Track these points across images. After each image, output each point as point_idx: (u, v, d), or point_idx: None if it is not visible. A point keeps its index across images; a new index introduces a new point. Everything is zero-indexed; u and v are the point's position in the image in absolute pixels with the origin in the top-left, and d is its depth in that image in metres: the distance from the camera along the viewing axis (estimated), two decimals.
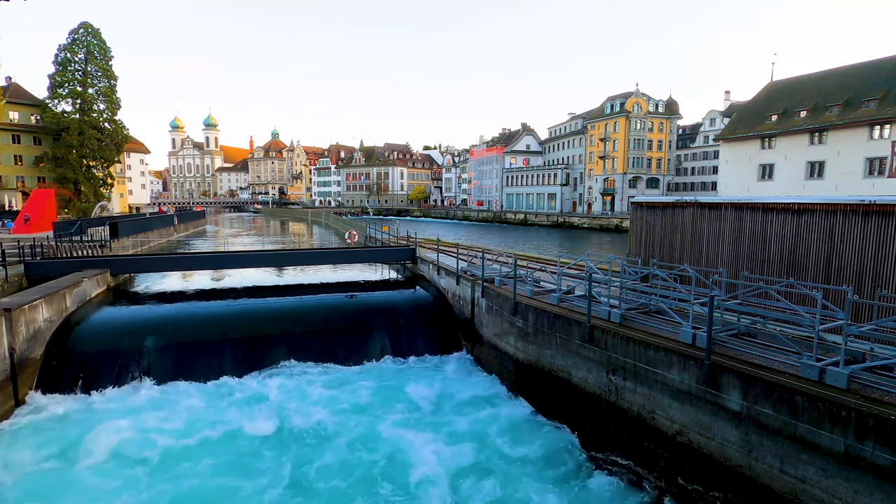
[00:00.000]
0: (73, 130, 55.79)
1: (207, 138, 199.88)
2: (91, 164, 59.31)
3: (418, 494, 9.69)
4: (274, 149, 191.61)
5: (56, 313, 15.33)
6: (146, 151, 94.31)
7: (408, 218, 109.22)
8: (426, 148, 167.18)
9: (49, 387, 13.78)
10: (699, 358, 8.68)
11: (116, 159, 64.24)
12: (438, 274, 20.57)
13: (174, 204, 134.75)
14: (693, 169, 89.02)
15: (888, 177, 38.16)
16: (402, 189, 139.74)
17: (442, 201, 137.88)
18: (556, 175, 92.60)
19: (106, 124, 59.92)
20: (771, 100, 49.33)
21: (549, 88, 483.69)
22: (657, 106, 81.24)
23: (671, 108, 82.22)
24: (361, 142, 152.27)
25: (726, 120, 75.19)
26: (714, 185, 65.25)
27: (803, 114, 44.27)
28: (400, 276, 24.87)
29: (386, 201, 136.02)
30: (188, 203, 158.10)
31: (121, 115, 62.03)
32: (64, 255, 22.63)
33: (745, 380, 7.94)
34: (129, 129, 64.12)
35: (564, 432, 11.76)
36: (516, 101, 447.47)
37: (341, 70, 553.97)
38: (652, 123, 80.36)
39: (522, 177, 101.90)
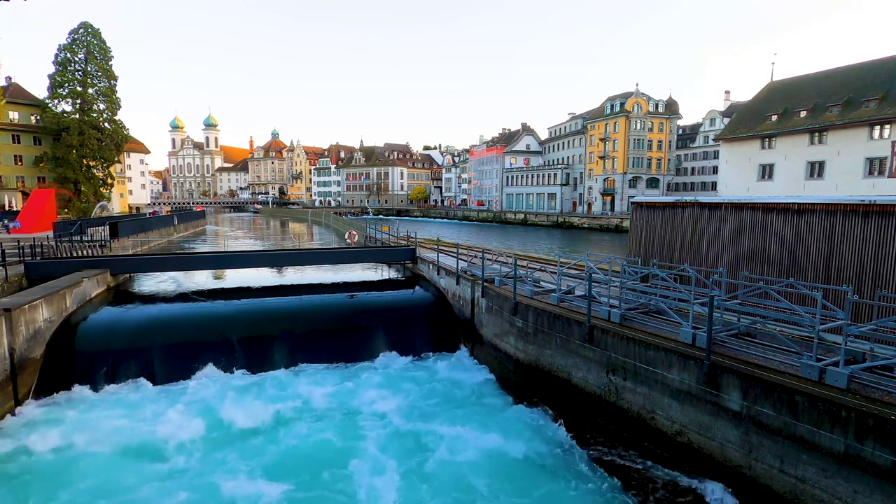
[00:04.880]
0: (73, 130, 55.76)
1: (207, 138, 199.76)
2: (91, 164, 59.29)
3: (428, 489, 9.70)
4: (274, 149, 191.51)
5: (56, 313, 15.33)
6: (146, 151, 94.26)
7: (408, 218, 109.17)
8: (426, 148, 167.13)
9: (49, 387, 13.77)
10: (699, 358, 8.68)
11: (116, 159, 64.24)
12: (438, 274, 20.57)
13: (170, 204, 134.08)
14: (693, 169, 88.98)
15: (888, 177, 38.13)
16: (402, 189, 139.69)
17: (442, 201, 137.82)
18: (556, 175, 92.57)
19: (106, 124, 59.91)
20: (771, 100, 49.31)
21: (549, 88, 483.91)
22: (657, 106, 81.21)
23: (671, 108, 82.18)
24: (361, 142, 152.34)
25: (726, 120, 75.17)
26: (714, 185, 65.22)
27: (803, 114, 44.25)
28: (400, 276, 24.86)
29: (386, 201, 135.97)
30: (188, 203, 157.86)
31: (121, 115, 62.17)
32: (64, 255, 22.62)
33: (745, 380, 7.95)
34: (129, 129, 64.15)
35: (564, 432, 11.76)
36: (516, 101, 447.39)
37: (341, 70, 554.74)
38: (652, 123, 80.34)
39: (522, 177, 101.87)
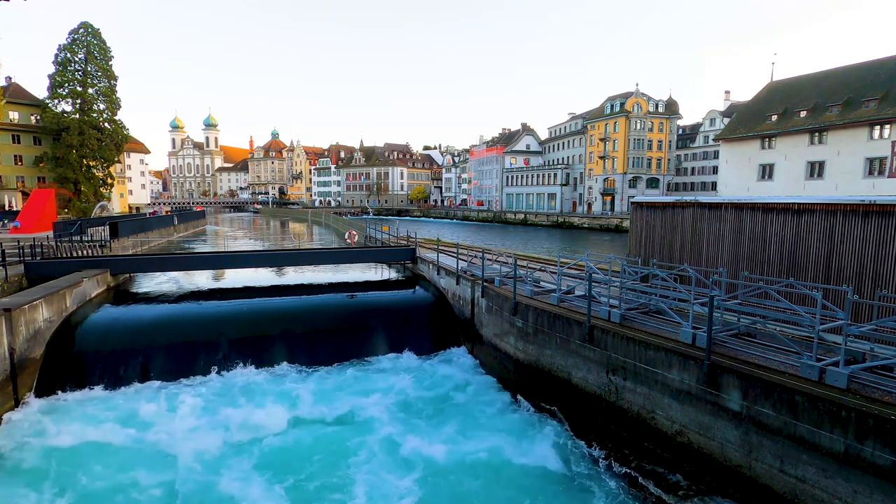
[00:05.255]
0: (73, 130, 55.79)
1: (207, 138, 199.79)
2: (91, 164, 59.33)
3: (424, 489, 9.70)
4: (274, 149, 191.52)
5: (56, 313, 15.33)
6: (146, 151, 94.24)
7: (408, 218, 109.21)
8: (426, 148, 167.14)
9: (49, 387, 13.77)
10: (699, 358, 8.68)
11: (116, 159, 64.27)
12: (438, 274, 20.57)
13: (170, 204, 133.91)
14: (693, 169, 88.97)
15: (888, 177, 38.13)
16: (402, 189, 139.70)
17: (442, 201, 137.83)
18: (556, 175, 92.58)
19: (106, 124, 59.95)
20: (771, 100, 49.31)
21: (549, 88, 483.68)
22: (657, 106, 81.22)
23: (671, 108, 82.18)
24: (361, 142, 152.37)
25: (726, 120, 75.16)
26: (714, 185, 65.22)
27: (803, 114, 44.25)
28: (400, 276, 24.87)
29: (386, 201, 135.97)
30: (188, 203, 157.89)
31: (121, 115, 62.22)
32: (64, 255, 22.62)
33: (745, 380, 7.94)
34: (129, 129, 64.19)
35: (563, 431, 11.76)
36: (516, 101, 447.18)
37: (341, 70, 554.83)
38: (652, 123, 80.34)
39: (522, 177, 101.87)
